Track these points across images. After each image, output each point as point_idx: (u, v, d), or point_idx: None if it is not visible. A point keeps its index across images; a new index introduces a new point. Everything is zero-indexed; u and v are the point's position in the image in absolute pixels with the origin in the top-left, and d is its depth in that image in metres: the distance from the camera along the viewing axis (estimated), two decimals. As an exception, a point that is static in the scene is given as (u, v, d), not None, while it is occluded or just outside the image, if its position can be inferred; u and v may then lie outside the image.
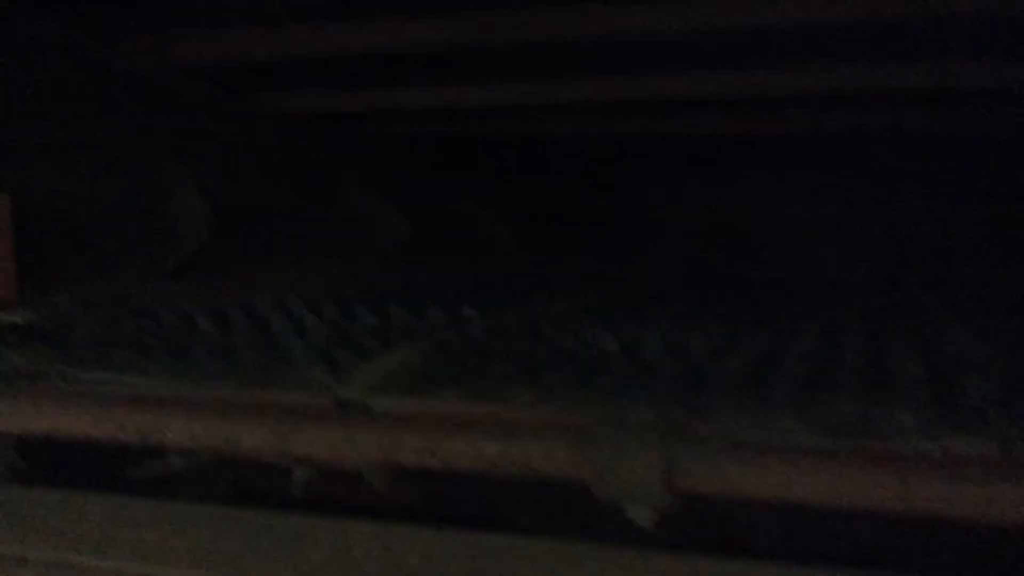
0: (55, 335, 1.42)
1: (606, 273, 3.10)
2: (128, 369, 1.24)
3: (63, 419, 1.12)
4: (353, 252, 2.47)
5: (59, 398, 1.13)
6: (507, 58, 2.26)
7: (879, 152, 3.45)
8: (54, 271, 1.65)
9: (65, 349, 1.36)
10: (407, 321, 1.48)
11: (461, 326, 1.43)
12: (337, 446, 1.03)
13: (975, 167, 3.32)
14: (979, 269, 3.40)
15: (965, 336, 1.57)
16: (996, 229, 3.45)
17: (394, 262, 2.53)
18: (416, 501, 1.26)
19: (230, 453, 1.09)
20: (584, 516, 1.19)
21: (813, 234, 3.73)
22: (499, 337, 1.34)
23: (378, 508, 1.15)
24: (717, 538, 1.12)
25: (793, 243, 3.71)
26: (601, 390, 1.07)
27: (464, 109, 2.59)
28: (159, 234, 1.98)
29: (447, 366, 1.20)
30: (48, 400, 1.12)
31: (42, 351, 1.35)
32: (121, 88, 2.05)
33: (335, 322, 1.49)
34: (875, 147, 3.41)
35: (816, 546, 1.14)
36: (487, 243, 3.03)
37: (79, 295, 1.61)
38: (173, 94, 2.21)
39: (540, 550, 1.01)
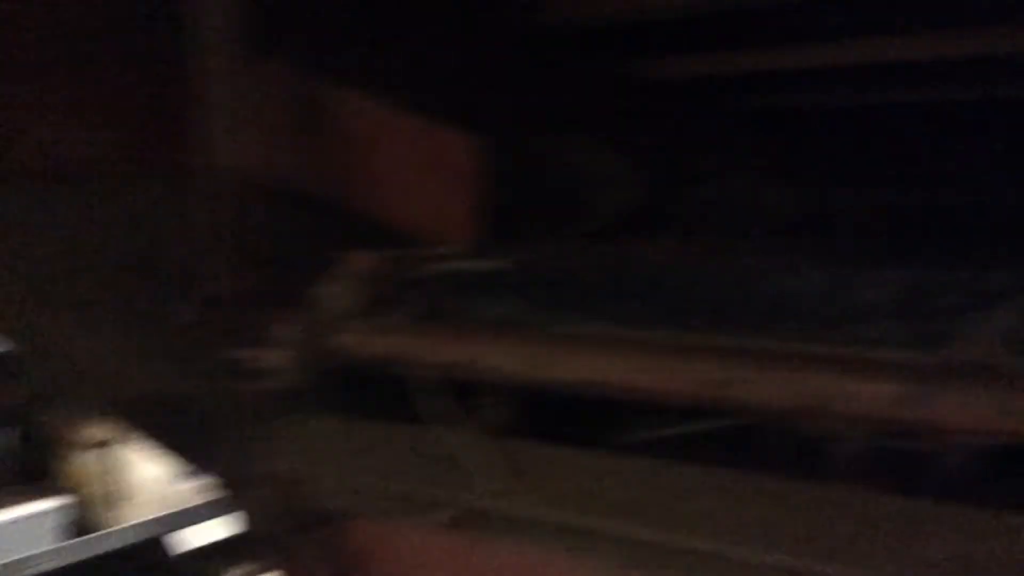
0: (532, 286, 1.32)
1: None
2: (639, 324, 1.10)
3: (611, 369, 0.99)
4: (740, 223, 2.30)
5: (604, 347, 1.00)
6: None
7: None
8: (510, 225, 1.57)
9: (553, 300, 1.25)
10: (952, 279, 1.23)
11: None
12: (986, 414, 0.82)
13: None
14: None
15: None
16: None
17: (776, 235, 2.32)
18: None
19: (814, 414, 0.91)
20: None
21: None
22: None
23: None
24: None
25: None
26: None
27: (883, 67, 2.31)
28: (579, 200, 1.89)
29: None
30: (593, 349, 1.00)
31: (530, 301, 1.25)
32: (541, 55, 1.97)
33: (850, 279, 1.27)
34: None
35: None
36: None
37: (532, 247, 1.53)
38: (579, 61, 2.10)
39: None
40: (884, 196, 2.38)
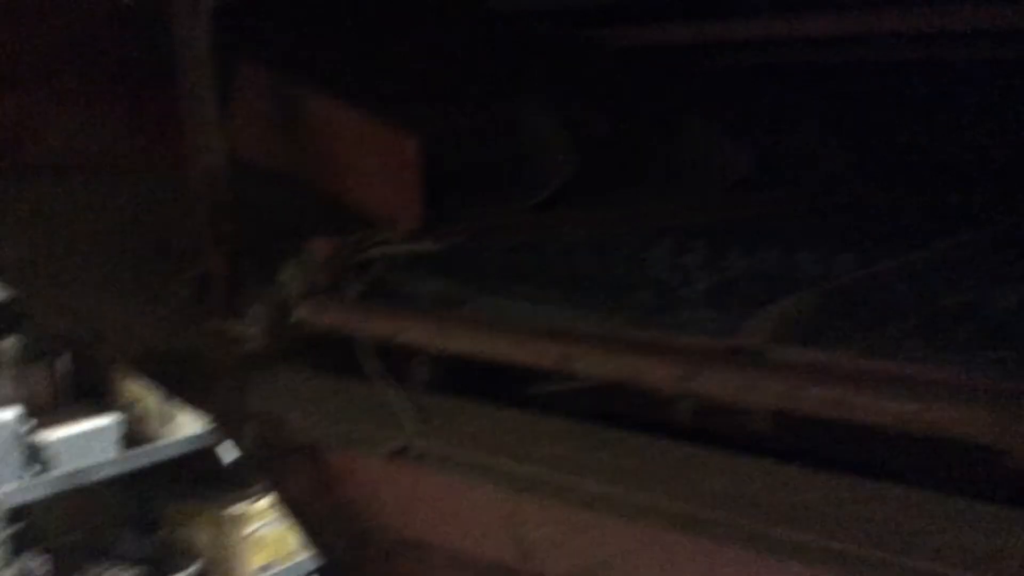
0: (461, 265, 1.62)
1: (953, 212, 2.89)
2: (534, 301, 1.40)
3: (490, 344, 1.29)
4: (698, 185, 2.52)
5: (488, 326, 1.31)
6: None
7: None
8: (448, 204, 1.86)
9: (473, 279, 1.56)
10: (780, 264, 1.52)
11: (838, 273, 1.44)
12: (737, 390, 1.11)
13: None
14: None
15: None
16: None
17: (737, 194, 2.54)
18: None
19: (630, 385, 1.21)
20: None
21: None
22: (883, 289, 1.34)
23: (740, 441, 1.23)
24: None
25: None
26: (1016, 354, 1.06)
27: (809, 38, 2.51)
28: (527, 169, 2.15)
29: (840, 318, 1.23)
30: (480, 327, 1.30)
31: (454, 280, 1.56)
32: (493, 31, 2.22)
33: (709, 262, 1.55)
34: None
35: None
36: (828, 178, 2.95)
37: (469, 227, 1.81)
38: (534, 34, 2.35)
39: (922, 500, 1.04)
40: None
